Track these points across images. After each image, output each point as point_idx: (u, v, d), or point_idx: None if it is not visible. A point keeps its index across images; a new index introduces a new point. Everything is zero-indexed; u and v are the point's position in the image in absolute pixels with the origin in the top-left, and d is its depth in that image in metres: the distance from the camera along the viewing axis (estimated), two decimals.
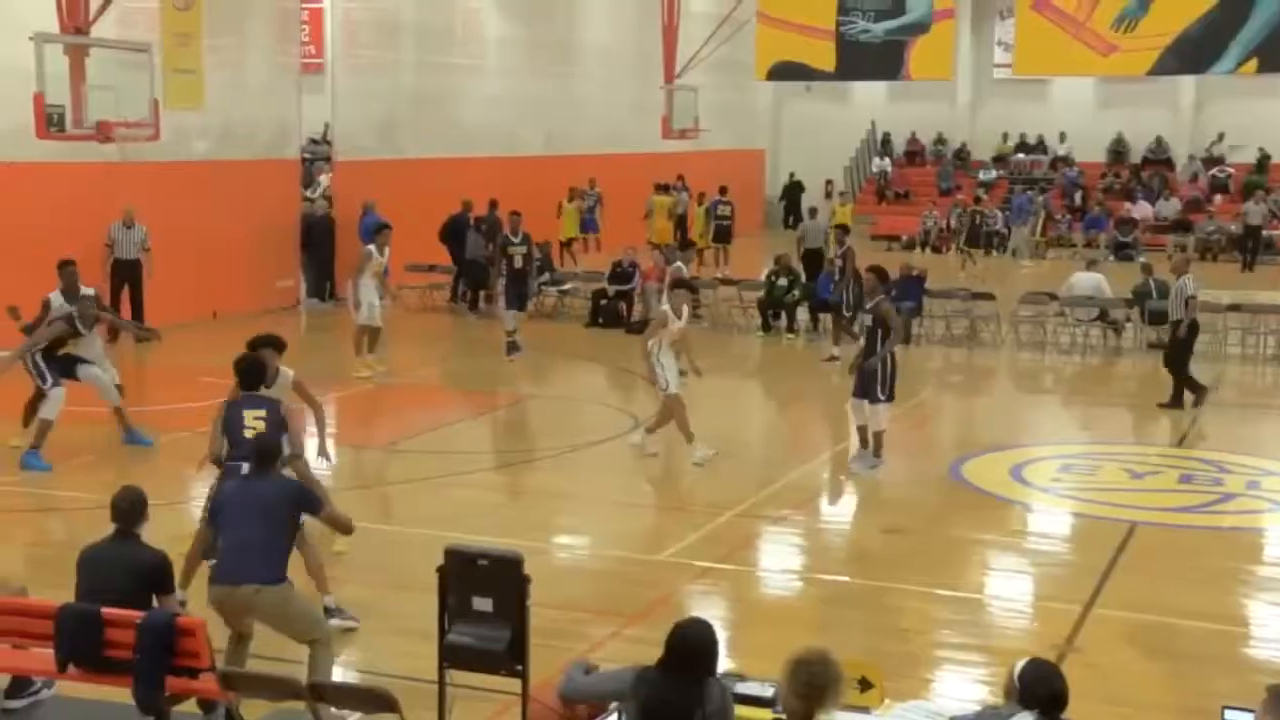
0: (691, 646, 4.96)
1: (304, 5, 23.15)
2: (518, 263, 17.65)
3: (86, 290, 12.24)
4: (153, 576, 6.27)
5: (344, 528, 7.56)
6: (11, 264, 16.00)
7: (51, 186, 16.92)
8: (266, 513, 6.74)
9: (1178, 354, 14.89)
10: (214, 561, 7.01)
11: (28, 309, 12.16)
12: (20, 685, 6.58)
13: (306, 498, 7.17)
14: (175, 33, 17.53)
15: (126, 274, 17.62)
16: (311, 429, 9.58)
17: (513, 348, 17.08)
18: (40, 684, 6.60)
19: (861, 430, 12.16)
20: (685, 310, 12.61)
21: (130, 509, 6.38)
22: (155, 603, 6.17)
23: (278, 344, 9.14)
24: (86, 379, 11.90)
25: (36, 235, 16.30)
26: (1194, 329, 14.89)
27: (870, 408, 11.98)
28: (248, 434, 8.10)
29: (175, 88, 17.29)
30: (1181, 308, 14.73)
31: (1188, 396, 14.80)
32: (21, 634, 6.10)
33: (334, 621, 7.69)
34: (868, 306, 12.30)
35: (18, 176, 16.55)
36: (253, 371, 8.56)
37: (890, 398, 12.02)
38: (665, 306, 12.51)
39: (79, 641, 5.85)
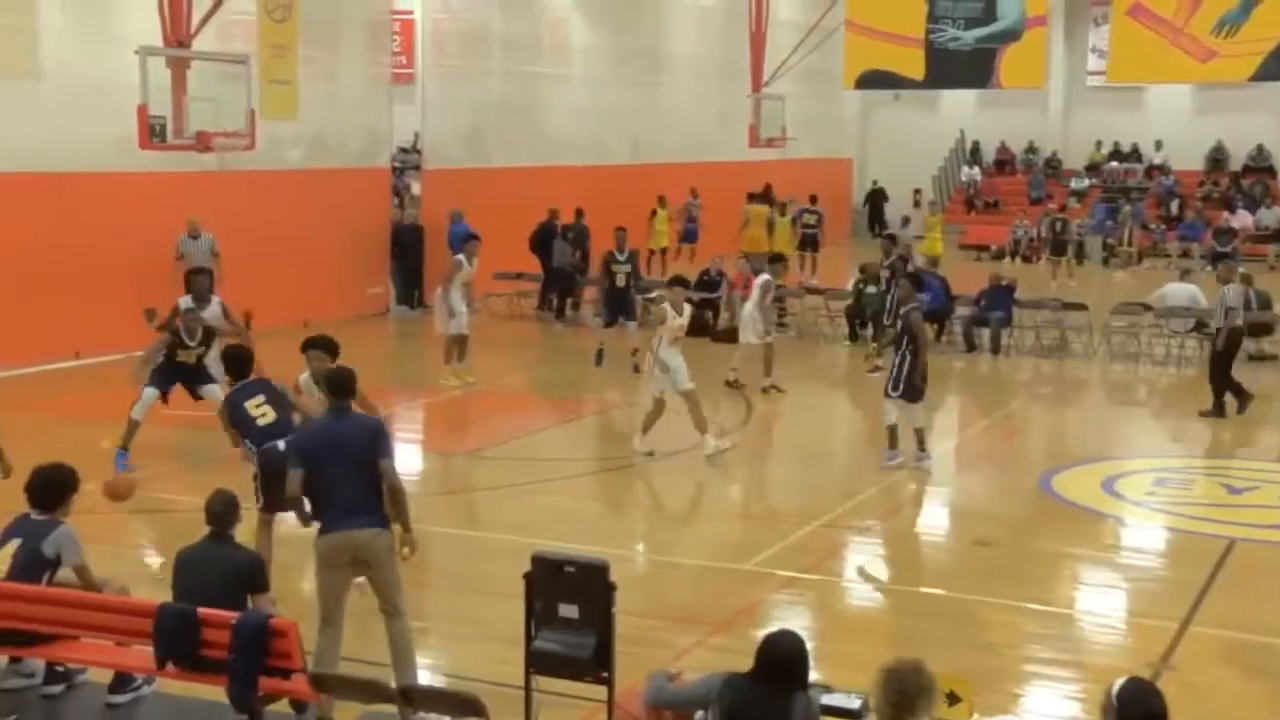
0: (781, 657, 4.95)
1: (395, 16, 23.47)
2: (620, 280, 17.54)
3: (214, 301, 12.60)
4: (247, 576, 6.43)
5: (399, 489, 7.00)
6: (117, 269, 16.48)
7: (153, 195, 17.31)
8: (354, 454, 6.79)
9: (1218, 362, 14.87)
10: (308, 514, 7.21)
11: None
12: (123, 681, 6.76)
13: (385, 438, 7.04)
14: (272, 44, 17.88)
15: None
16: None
17: (601, 356, 17.13)
18: (141, 680, 6.77)
19: (919, 433, 12.23)
20: (686, 308, 12.92)
21: (224, 512, 6.54)
22: (250, 603, 6.30)
23: (329, 346, 8.96)
24: (207, 396, 12.00)
25: (138, 242, 16.75)
26: (1233, 339, 14.90)
27: (884, 402, 12.23)
28: (261, 422, 8.40)
29: (271, 98, 17.63)
30: (1221, 317, 14.92)
31: (1231, 404, 14.68)
32: (123, 632, 6.25)
33: None
34: (900, 312, 12.58)
35: (122, 186, 16.97)
36: (238, 361, 8.84)
37: (904, 395, 12.07)
38: (665, 304, 12.73)
39: (177, 640, 5.99)
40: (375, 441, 6.91)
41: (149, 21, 15.53)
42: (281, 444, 8.04)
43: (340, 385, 7.10)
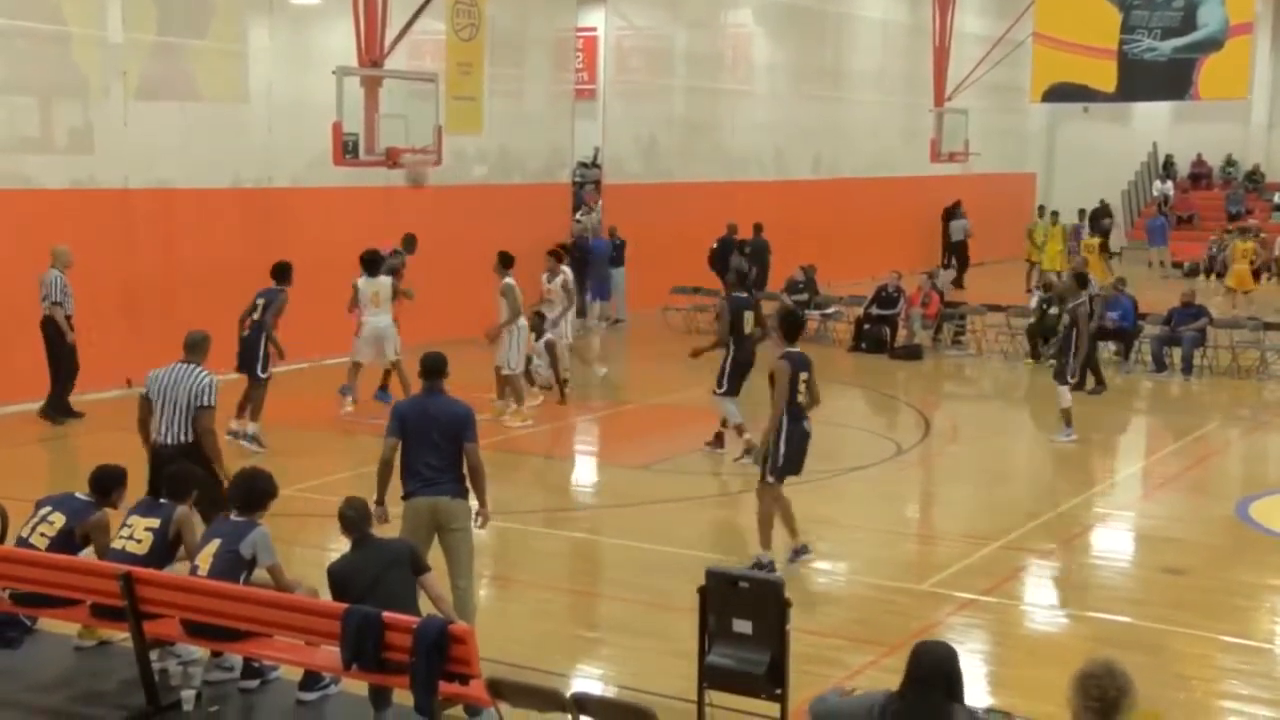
0: (927, 664, 4.82)
1: (579, 33, 23.83)
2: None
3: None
4: (412, 561, 6.74)
5: (480, 471, 7.61)
6: (308, 281, 17.10)
7: (344, 210, 17.94)
8: (441, 430, 7.45)
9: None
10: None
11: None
12: (312, 680, 7.01)
13: (469, 425, 7.55)
14: (458, 62, 18.32)
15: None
16: None
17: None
18: (329, 679, 7.01)
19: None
20: (560, 275, 14.94)
21: (359, 517, 6.81)
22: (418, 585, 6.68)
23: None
24: None
25: (328, 255, 17.35)
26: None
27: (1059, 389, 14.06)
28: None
29: (456, 114, 18.04)
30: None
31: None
32: (313, 632, 6.48)
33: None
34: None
35: (317, 201, 17.65)
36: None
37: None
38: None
39: (362, 643, 6.18)
40: (462, 424, 7.49)
41: (346, 43, 16.12)
42: None
43: (433, 367, 7.66)
